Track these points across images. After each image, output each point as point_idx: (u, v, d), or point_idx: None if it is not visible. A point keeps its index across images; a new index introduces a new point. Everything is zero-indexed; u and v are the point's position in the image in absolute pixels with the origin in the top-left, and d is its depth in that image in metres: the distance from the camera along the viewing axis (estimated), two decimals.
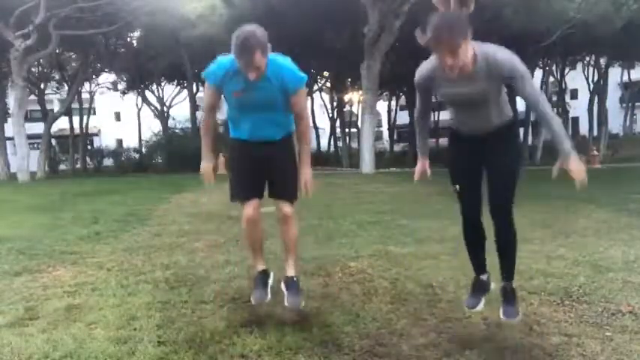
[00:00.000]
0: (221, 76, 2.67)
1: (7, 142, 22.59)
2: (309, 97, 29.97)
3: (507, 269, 2.60)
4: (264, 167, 2.82)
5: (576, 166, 2.21)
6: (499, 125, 2.51)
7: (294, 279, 2.91)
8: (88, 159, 31.12)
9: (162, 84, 29.64)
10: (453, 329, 2.68)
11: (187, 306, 3.06)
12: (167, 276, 3.72)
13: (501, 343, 2.50)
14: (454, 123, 2.64)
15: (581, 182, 2.19)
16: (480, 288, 2.72)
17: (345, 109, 33.62)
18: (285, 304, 2.83)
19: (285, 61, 2.72)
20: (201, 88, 29.52)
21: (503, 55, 2.30)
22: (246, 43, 2.46)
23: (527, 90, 2.28)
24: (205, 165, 2.90)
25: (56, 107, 32.16)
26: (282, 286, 2.91)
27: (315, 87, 31.11)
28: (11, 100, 21.92)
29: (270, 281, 2.98)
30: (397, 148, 37.00)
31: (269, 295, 2.90)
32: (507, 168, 2.52)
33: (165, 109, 29.37)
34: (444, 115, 42.71)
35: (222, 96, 2.78)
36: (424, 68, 2.46)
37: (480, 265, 2.73)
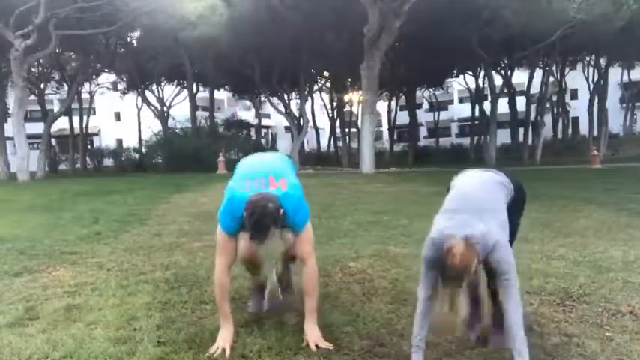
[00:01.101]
0: (236, 227, 2.54)
1: (7, 142, 22.58)
2: (309, 98, 30.01)
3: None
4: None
5: None
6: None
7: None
8: (88, 159, 31.12)
9: (162, 84, 29.63)
10: None
11: (187, 306, 3.06)
12: (167, 276, 3.72)
13: None
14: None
15: None
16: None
17: (345, 109, 33.62)
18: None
19: (293, 203, 2.53)
20: (201, 88, 29.58)
21: (502, 258, 2.21)
22: (260, 224, 2.35)
23: (505, 284, 2.21)
24: (224, 334, 2.52)
25: (56, 107, 32.11)
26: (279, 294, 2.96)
27: (315, 87, 31.13)
28: (11, 100, 21.91)
29: (267, 290, 2.96)
30: (397, 148, 37.00)
31: (267, 306, 2.95)
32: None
33: (165, 109, 29.36)
34: (444, 116, 42.82)
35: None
36: (431, 256, 2.24)
37: None
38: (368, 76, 16.79)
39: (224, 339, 2.48)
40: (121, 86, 30.94)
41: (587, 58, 29.02)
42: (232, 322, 2.58)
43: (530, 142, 27.32)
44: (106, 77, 30.38)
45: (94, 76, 29.09)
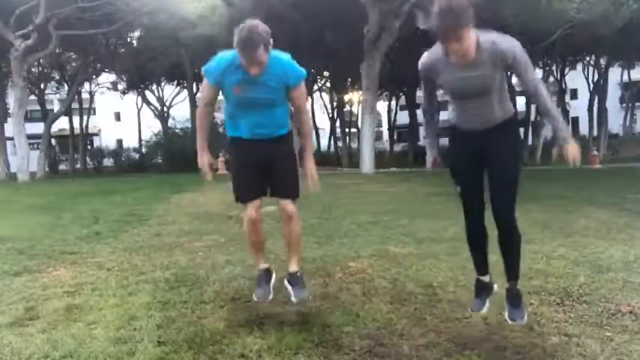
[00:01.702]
0: (221, 72, 2.67)
1: (7, 142, 22.59)
2: (309, 98, 30.00)
3: (512, 269, 2.59)
4: (264, 167, 2.80)
5: (572, 150, 2.35)
6: (501, 120, 2.50)
7: (298, 274, 2.92)
8: (88, 159, 31.14)
9: (162, 84, 29.65)
10: (452, 329, 2.68)
11: (187, 306, 3.06)
12: (167, 276, 3.71)
13: (501, 343, 2.50)
14: (455, 119, 2.63)
15: (575, 162, 2.35)
16: (482, 289, 2.71)
17: (345, 109, 33.63)
18: (293, 299, 2.83)
19: (286, 57, 2.73)
20: (201, 88, 29.57)
21: (506, 41, 2.34)
22: (250, 38, 2.47)
23: (528, 76, 2.36)
24: (203, 159, 2.87)
25: (56, 107, 32.16)
26: (286, 283, 2.91)
27: (315, 87, 31.13)
28: (11, 100, 21.91)
29: (273, 280, 2.97)
30: (397, 148, 37.00)
31: (272, 294, 2.90)
32: (509, 169, 2.52)
33: (165, 109, 29.38)
34: (444, 116, 42.66)
35: (221, 92, 2.77)
36: (427, 56, 2.49)
37: (481, 266, 2.72)
38: (368, 76, 16.79)
39: (202, 164, 2.85)
40: (121, 86, 30.95)
41: (587, 58, 29.03)
42: (209, 153, 2.88)
43: (530, 142, 27.32)
44: (106, 77, 30.40)
45: (94, 76, 29.13)
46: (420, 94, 35.83)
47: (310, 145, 2.91)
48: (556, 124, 2.39)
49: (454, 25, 2.17)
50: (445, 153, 2.71)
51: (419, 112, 38.07)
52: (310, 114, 2.93)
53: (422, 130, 33.44)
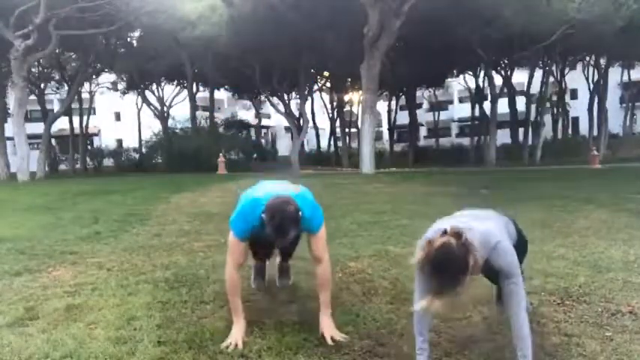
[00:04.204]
0: (249, 231, 2.63)
1: (7, 142, 22.57)
2: (309, 98, 30.01)
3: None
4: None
5: None
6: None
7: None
8: (88, 159, 31.10)
9: (162, 84, 29.63)
10: (452, 329, 2.68)
11: (187, 306, 3.06)
12: (167, 276, 3.72)
13: (501, 343, 2.50)
14: None
15: None
16: None
17: (345, 109, 33.62)
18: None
19: (311, 211, 2.61)
20: (201, 88, 29.58)
21: (505, 261, 2.13)
22: (284, 227, 2.41)
23: (511, 288, 2.13)
24: (236, 329, 2.60)
25: (56, 107, 32.15)
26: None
27: (315, 87, 31.13)
28: (11, 100, 21.90)
29: (267, 266, 3.41)
30: (397, 148, 37.01)
31: (266, 281, 3.32)
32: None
33: (165, 109, 29.37)
34: (444, 116, 42.82)
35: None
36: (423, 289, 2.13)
37: None
38: (368, 76, 16.79)
39: (236, 334, 2.55)
40: (121, 86, 30.92)
41: (587, 58, 29.01)
42: (244, 318, 2.65)
43: (530, 142, 27.33)
44: (106, 77, 30.37)
45: (94, 76, 29.07)
46: (419, 94, 35.96)
47: (328, 300, 2.69)
48: (521, 346, 2.08)
49: (454, 283, 1.91)
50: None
51: (419, 112, 38.23)
52: (329, 263, 2.75)
53: (422, 131, 33.26)
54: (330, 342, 2.51)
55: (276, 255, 3.44)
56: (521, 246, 2.47)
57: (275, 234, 2.41)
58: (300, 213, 2.44)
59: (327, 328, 2.60)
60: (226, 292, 2.74)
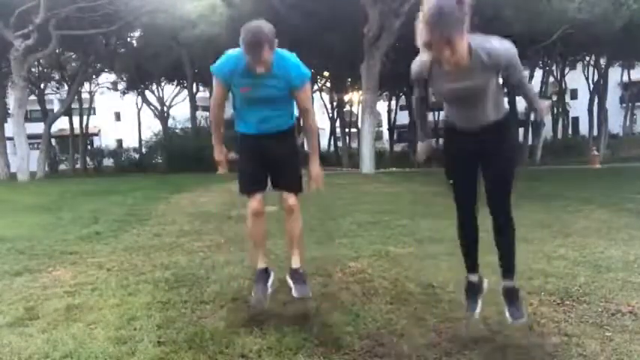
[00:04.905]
0: (229, 71, 2.73)
1: (7, 142, 22.58)
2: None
3: (507, 267, 2.59)
4: (269, 161, 2.90)
5: (544, 104, 2.57)
6: (495, 119, 2.49)
7: (300, 270, 2.96)
8: (88, 159, 31.13)
9: (163, 84, 29.64)
10: (452, 329, 2.68)
11: (187, 306, 3.06)
12: (167, 276, 3.71)
13: (501, 343, 2.50)
14: (449, 118, 2.63)
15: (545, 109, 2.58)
16: (472, 290, 2.72)
17: (345, 109, 33.63)
18: (294, 294, 2.86)
19: (291, 57, 2.77)
20: (201, 88, 29.55)
21: (499, 45, 2.28)
22: (255, 38, 2.51)
23: (517, 77, 2.38)
24: (218, 154, 3.03)
25: (56, 107, 32.15)
26: (288, 279, 2.96)
27: (315, 87, 31.14)
28: (11, 100, 21.91)
29: (271, 281, 2.98)
30: (397, 148, 37.01)
31: (268, 299, 2.92)
32: (504, 164, 2.52)
33: (165, 109, 29.37)
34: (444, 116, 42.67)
35: (229, 91, 2.83)
36: (419, 64, 2.42)
37: (472, 264, 2.73)
38: (368, 76, 16.79)
39: (219, 162, 2.99)
40: (121, 86, 30.94)
41: (587, 58, 29.02)
42: (224, 149, 3.02)
43: (530, 142, 27.33)
44: (106, 77, 30.40)
45: (94, 76, 29.12)
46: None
47: (316, 146, 2.99)
48: (532, 99, 2.48)
49: (445, 32, 2.06)
50: (441, 147, 2.70)
51: None
52: (315, 115, 2.95)
53: None
54: (313, 186, 2.88)
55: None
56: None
57: (248, 46, 2.51)
58: (274, 32, 2.56)
59: (314, 173, 2.94)
60: (210, 127, 3.11)
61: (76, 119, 30.05)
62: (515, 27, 17.24)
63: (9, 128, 21.60)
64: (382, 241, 4.85)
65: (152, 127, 28.38)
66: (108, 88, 31.85)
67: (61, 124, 30.73)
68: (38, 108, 29.15)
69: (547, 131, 29.68)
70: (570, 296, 3.13)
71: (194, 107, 25.46)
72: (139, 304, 3.09)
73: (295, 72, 2.73)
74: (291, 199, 2.92)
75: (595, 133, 29.94)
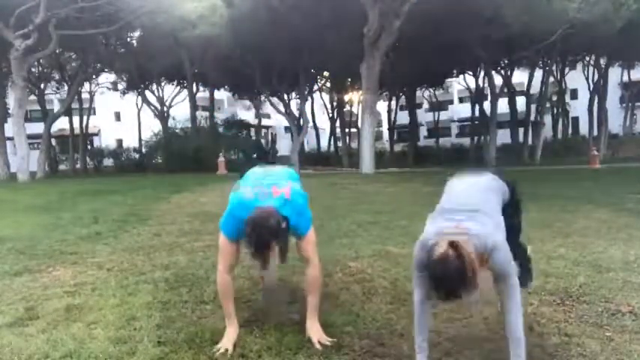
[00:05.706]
0: (237, 229, 2.54)
1: (7, 142, 22.57)
2: (308, 98, 30.01)
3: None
4: None
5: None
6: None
7: None
8: (88, 159, 31.11)
9: (162, 84, 29.62)
10: (453, 329, 2.68)
11: (187, 306, 3.06)
12: (167, 276, 3.72)
13: (501, 343, 2.50)
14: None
15: None
16: None
17: (345, 109, 33.63)
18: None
19: (300, 205, 2.60)
20: (201, 88, 29.55)
21: (499, 261, 2.11)
22: (263, 242, 2.36)
23: (510, 292, 2.14)
24: (228, 332, 2.59)
25: (56, 107, 32.14)
26: None
27: (315, 87, 31.15)
28: (11, 100, 21.90)
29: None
30: (397, 148, 37.02)
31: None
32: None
33: (165, 109, 29.36)
34: (444, 116, 42.81)
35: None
36: (423, 276, 2.13)
37: None
38: (368, 76, 16.79)
39: (228, 339, 2.53)
40: (121, 86, 30.93)
41: (587, 58, 29.00)
42: (237, 322, 2.63)
43: (530, 142, 27.33)
44: (106, 77, 30.38)
45: (94, 76, 29.09)
46: (419, 94, 35.94)
47: (316, 305, 2.68)
48: (514, 346, 2.11)
49: (456, 295, 1.91)
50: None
51: (419, 112, 38.23)
52: (319, 267, 2.74)
53: (422, 131, 33.19)
54: (317, 346, 2.49)
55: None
56: (514, 204, 2.53)
57: (255, 247, 2.36)
58: (283, 224, 2.39)
59: (315, 332, 2.58)
60: (219, 297, 2.69)
61: (76, 119, 30.02)
62: (515, 27, 17.26)
63: (9, 128, 21.58)
64: (382, 241, 4.85)
65: (152, 127, 28.34)
66: (108, 88, 31.83)
67: (61, 124, 30.70)
68: (38, 108, 29.12)
69: (547, 131, 29.68)
70: (570, 296, 3.13)
71: (194, 107, 25.43)
72: (139, 304, 3.09)
73: (303, 223, 2.61)
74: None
75: (595, 133, 29.92)
